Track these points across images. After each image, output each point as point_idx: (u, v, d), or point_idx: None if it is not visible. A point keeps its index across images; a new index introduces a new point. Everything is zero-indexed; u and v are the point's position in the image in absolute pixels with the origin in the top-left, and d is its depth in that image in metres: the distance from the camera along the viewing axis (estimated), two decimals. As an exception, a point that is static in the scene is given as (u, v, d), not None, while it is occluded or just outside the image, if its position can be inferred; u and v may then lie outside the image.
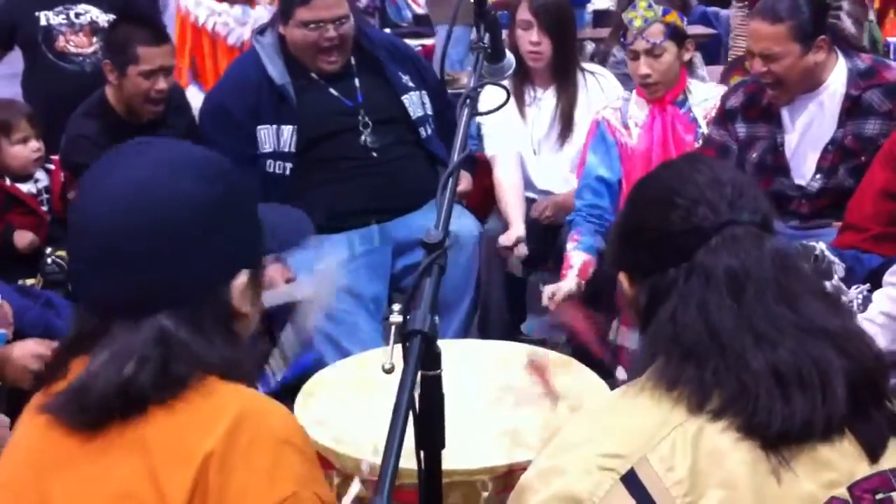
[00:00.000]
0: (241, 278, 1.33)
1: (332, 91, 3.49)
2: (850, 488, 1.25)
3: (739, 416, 1.24)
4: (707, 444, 1.23)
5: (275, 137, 3.41)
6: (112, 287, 1.27)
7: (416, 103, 3.58)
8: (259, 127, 3.41)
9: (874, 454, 1.27)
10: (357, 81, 3.53)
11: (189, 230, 1.28)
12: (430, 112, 3.62)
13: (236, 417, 1.23)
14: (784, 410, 1.23)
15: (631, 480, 1.23)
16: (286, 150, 3.41)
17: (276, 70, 3.44)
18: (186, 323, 1.27)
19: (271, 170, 3.42)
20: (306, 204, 3.41)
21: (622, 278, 1.46)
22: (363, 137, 3.48)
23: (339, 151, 3.46)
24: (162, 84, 3.40)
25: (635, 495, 1.23)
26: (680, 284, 1.33)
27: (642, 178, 1.53)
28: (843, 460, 1.25)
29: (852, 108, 3.01)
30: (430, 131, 3.60)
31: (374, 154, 3.48)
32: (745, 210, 1.36)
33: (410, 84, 3.60)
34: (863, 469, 1.26)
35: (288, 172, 3.42)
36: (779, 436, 1.23)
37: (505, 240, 3.51)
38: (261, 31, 3.65)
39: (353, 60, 3.53)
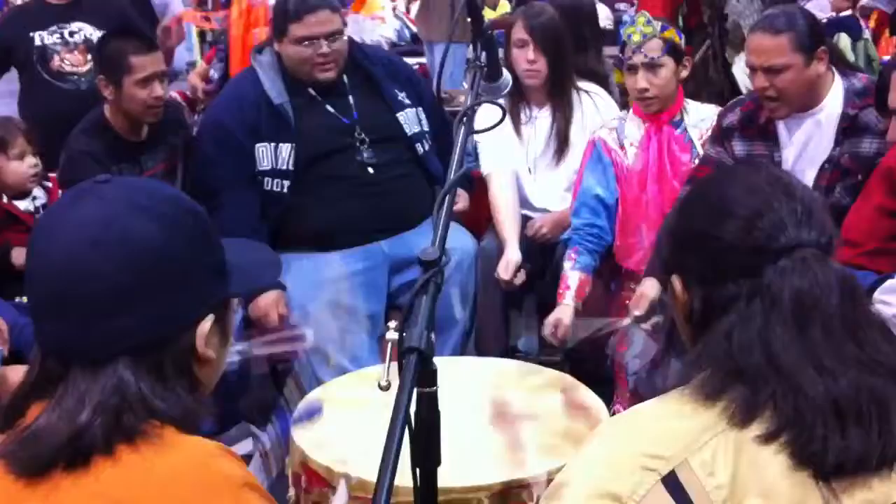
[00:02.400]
0: (206, 323, 1.28)
1: (329, 108, 3.50)
2: None
3: (792, 444, 1.23)
4: (749, 453, 1.24)
5: (273, 155, 3.41)
6: (68, 333, 1.23)
7: (411, 120, 3.59)
8: (258, 145, 3.42)
9: None
10: (351, 99, 3.54)
11: (148, 275, 1.23)
12: (426, 129, 3.62)
13: (188, 474, 1.20)
14: (840, 444, 1.23)
15: (671, 482, 1.23)
16: (284, 168, 3.42)
17: (274, 89, 3.45)
18: (146, 370, 1.23)
19: (269, 188, 3.43)
20: (304, 221, 3.44)
21: (675, 281, 1.43)
22: (360, 155, 3.49)
23: (337, 169, 3.46)
24: (158, 90, 3.42)
25: (675, 497, 1.23)
26: (741, 303, 1.31)
27: (702, 179, 1.51)
28: (882, 486, 1.25)
29: (849, 128, 3.01)
30: (426, 148, 3.60)
31: (372, 172, 3.48)
32: (815, 231, 1.33)
33: (406, 101, 3.60)
34: None
35: (286, 190, 3.43)
36: (835, 468, 1.23)
37: (504, 273, 3.50)
38: (259, 49, 3.65)
39: (345, 78, 3.54)
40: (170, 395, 1.24)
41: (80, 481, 1.18)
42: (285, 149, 3.41)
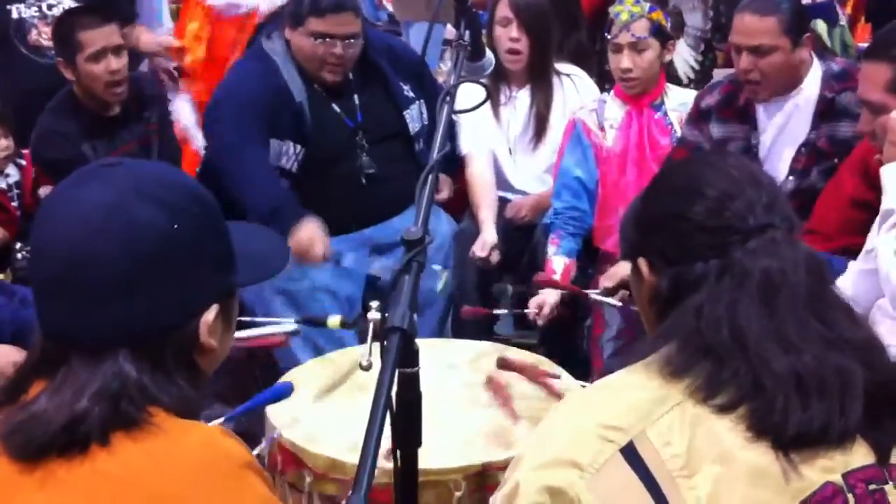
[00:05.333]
0: (210, 313, 1.26)
1: (335, 108, 3.45)
2: (845, 476, 1.26)
3: (751, 416, 1.25)
4: (706, 424, 1.25)
5: (280, 153, 3.35)
6: (68, 318, 1.21)
7: (415, 117, 3.55)
8: (272, 140, 3.34)
9: (883, 457, 1.28)
10: (356, 98, 3.49)
11: (152, 263, 1.20)
12: (426, 122, 3.58)
13: (190, 455, 1.19)
14: (801, 416, 1.24)
15: (629, 453, 1.25)
16: (288, 167, 3.37)
17: (294, 84, 3.36)
18: (147, 361, 1.21)
19: None
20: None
21: (641, 264, 1.44)
22: (360, 160, 3.45)
23: (335, 171, 3.42)
24: (114, 64, 3.37)
25: (633, 466, 1.24)
26: (711, 280, 1.33)
27: (670, 164, 1.52)
28: (841, 455, 1.26)
29: (826, 111, 3.02)
30: (422, 144, 3.57)
31: (368, 176, 3.45)
32: (779, 216, 1.36)
33: (411, 94, 3.55)
34: (859, 459, 1.27)
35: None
36: (794, 438, 1.24)
37: (479, 250, 3.48)
38: (268, 35, 3.53)
39: (351, 76, 3.47)
40: (170, 387, 1.22)
41: (76, 469, 1.16)
42: (296, 149, 3.36)
